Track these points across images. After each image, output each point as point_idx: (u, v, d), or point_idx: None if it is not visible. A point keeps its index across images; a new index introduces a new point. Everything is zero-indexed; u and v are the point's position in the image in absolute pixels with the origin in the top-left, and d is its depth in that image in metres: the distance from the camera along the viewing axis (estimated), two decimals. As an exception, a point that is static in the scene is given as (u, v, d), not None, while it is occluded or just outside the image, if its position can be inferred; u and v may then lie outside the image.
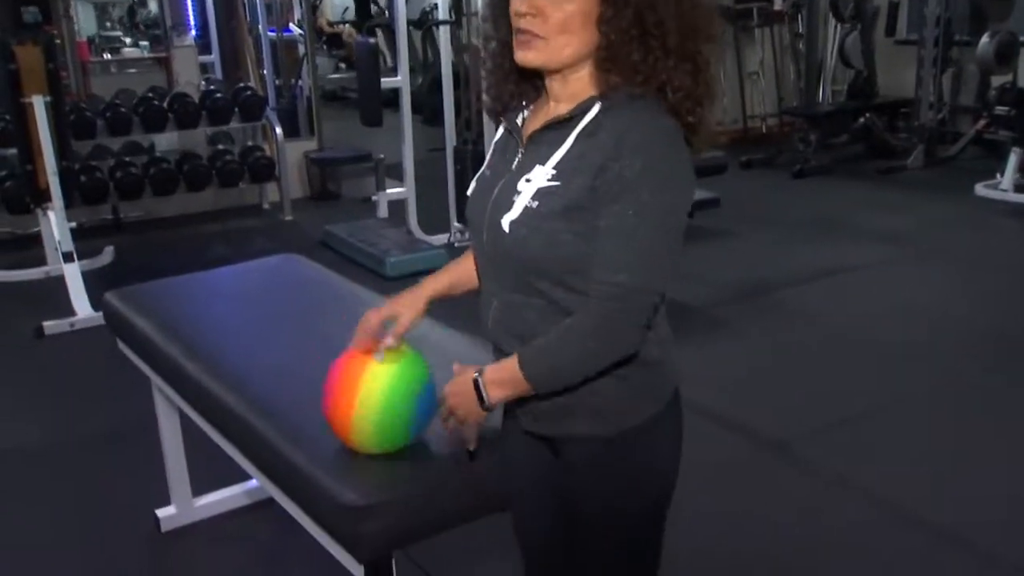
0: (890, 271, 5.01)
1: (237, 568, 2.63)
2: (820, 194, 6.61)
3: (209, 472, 2.96)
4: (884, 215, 5.98)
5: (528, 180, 1.45)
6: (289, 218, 6.47)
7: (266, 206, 6.83)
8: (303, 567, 2.62)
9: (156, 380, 2.51)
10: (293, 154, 6.82)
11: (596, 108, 1.43)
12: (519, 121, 1.56)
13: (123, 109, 5.80)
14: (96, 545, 2.75)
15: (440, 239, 5.76)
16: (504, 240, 1.47)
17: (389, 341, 1.62)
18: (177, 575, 2.62)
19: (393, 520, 1.59)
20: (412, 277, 4.99)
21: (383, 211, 5.76)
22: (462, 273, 1.74)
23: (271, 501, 2.94)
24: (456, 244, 5.72)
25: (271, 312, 2.45)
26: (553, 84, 1.49)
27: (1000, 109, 6.74)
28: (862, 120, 7.47)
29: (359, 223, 5.77)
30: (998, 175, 6.46)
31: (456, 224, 5.92)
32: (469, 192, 1.60)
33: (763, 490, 2.94)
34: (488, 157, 1.62)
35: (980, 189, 6.38)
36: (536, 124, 1.51)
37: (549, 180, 1.43)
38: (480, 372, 1.48)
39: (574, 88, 1.47)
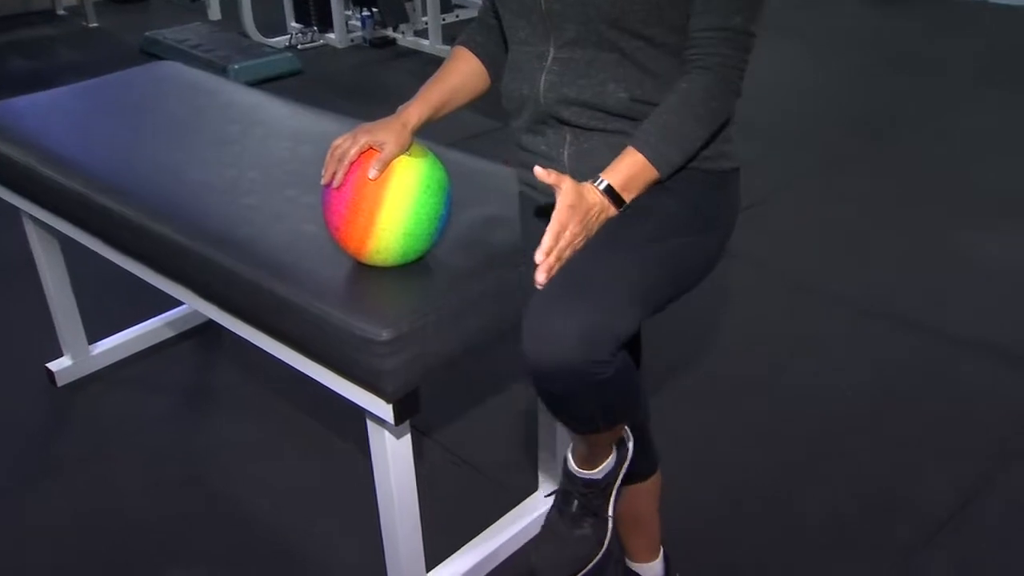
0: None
1: (154, 415, 2.38)
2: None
3: (101, 315, 2.65)
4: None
5: None
6: (94, 25, 5.69)
7: (61, 12, 5.98)
8: (227, 404, 2.41)
9: (37, 214, 2.13)
10: (86, -51, 5.92)
11: None
12: None
13: None
14: (-20, 409, 2.41)
15: (280, 41, 5.25)
16: None
17: (373, 173, 1.39)
18: (85, 431, 2.34)
19: (422, 348, 1.42)
20: (259, 85, 4.58)
21: (215, 12, 5.14)
22: (453, 89, 1.52)
23: (176, 340, 2.70)
24: (300, 46, 5.24)
25: (171, 125, 2.09)
26: None
27: None
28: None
29: (185, 28, 5.14)
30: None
31: (295, 24, 5.40)
32: None
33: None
34: None
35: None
36: None
37: None
38: (600, 182, 1.27)
39: None
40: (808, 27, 5.44)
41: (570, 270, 1.24)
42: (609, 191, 1.27)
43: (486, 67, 1.55)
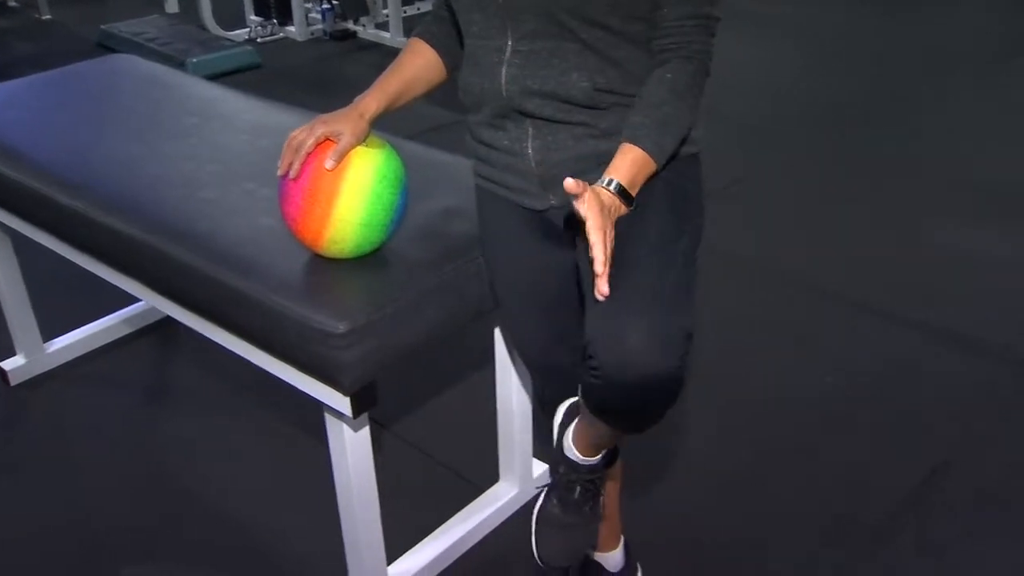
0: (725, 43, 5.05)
1: (112, 413, 2.36)
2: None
3: (56, 313, 2.62)
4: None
5: None
6: (47, 17, 5.60)
7: (13, 3, 5.88)
8: (186, 400, 2.40)
9: (-11, 211, 2.10)
10: (39, -61, 5.82)
11: None
12: None
13: None
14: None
15: (239, 34, 5.21)
16: None
17: (329, 164, 1.40)
18: (42, 430, 2.31)
19: (379, 340, 1.42)
20: (218, 79, 4.54)
21: (173, 5, 5.08)
22: (409, 80, 1.53)
23: (133, 337, 2.67)
24: (259, 39, 5.19)
25: (127, 119, 2.07)
26: None
27: None
28: None
29: (143, 20, 5.07)
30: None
31: (254, 17, 5.36)
32: None
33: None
34: None
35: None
36: None
37: None
38: (609, 182, 1.27)
39: None
40: (792, 18, 5.47)
41: (621, 284, 1.23)
42: (620, 190, 1.27)
43: (442, 58, 1.56)
